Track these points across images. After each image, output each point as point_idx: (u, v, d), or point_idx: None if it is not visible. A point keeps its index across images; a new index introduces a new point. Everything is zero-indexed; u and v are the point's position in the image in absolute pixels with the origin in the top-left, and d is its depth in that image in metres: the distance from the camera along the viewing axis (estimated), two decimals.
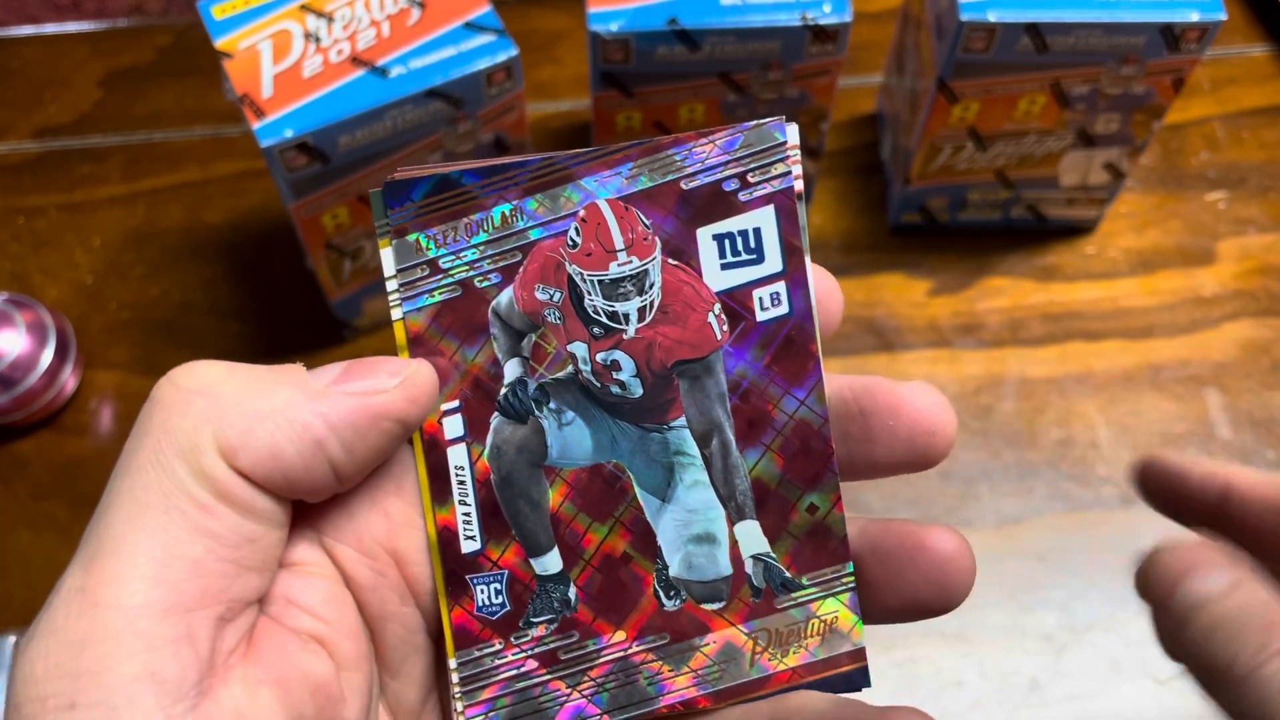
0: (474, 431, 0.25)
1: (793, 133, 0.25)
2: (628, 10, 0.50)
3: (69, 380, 0.57)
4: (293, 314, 0.60)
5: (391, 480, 0.25)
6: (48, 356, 0.56)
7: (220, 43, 0.49)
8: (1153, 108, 0.54)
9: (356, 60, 0.48)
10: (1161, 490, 0.31)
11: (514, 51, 0.49)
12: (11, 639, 0.50)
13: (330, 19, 0.49)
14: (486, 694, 0.25)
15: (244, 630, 0.22)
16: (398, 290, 0.25)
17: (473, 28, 0.49)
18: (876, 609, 0.25)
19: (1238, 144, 0.67)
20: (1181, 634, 0.26)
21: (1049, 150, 0.57)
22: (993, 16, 0.49)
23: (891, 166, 0.63)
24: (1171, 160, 0.66)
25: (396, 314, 0.25)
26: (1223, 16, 0.49)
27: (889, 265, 0.62)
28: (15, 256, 0.64)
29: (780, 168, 0.25)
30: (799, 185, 0.25)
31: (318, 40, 0.49)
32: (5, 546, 0.54)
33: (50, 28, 0.74)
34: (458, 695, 0.25)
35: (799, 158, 0.25)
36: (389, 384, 0.23)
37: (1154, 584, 0.27)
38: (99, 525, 0.21)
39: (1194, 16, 0.49)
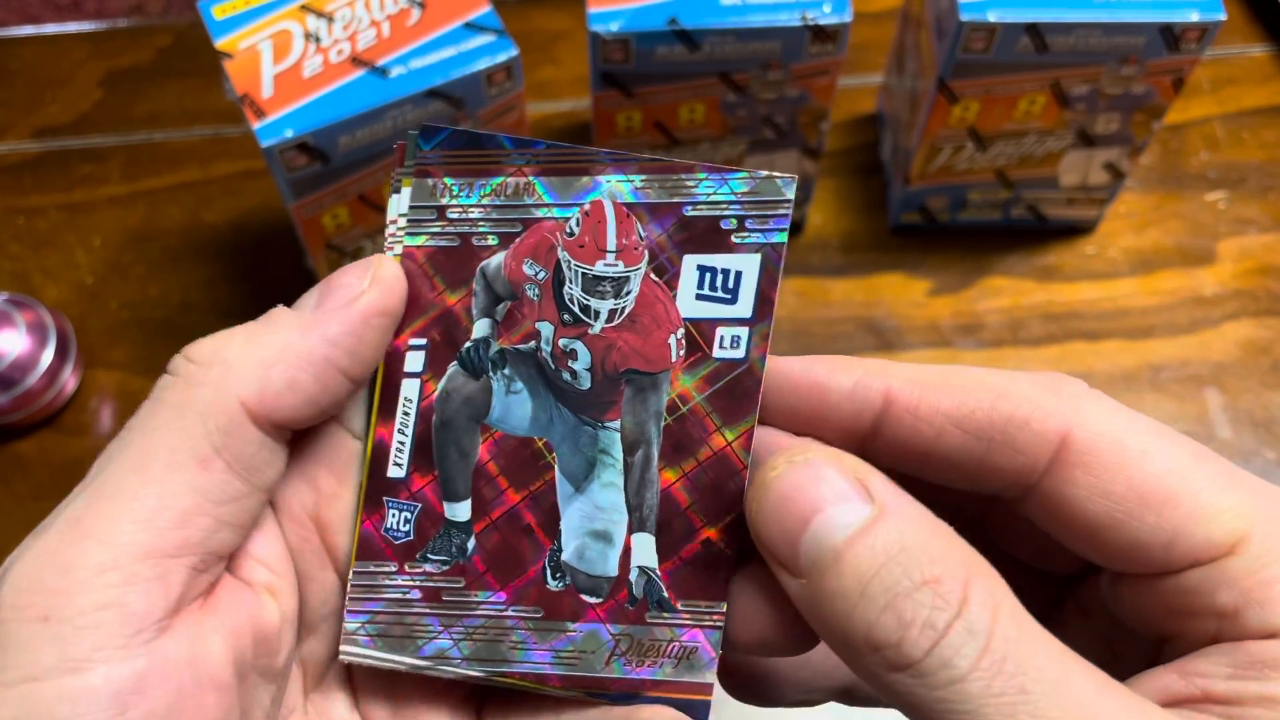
0: (430, 371, 0.27)
1: (791, 190, 0.26)
2: (628, 10, 0.50)
3: (69, 380, 0.57)
4: None
5: (324, 458, 0.27)
6: (48, 356, 0.56)
7: (220, 43, 0.49)
8: (1153, 108, 0.54)
9: (356, 60, 0.48)
10: (791, 413, 0.26)
11: (514, 51, 0.49)
12: None
13: (330, 19, 0.50)
14: (369, 605, 0.27)
15: (211, 580, 0.24)
16: (405, 227, 0.27)
17: (473, 28, 0.49)
18: (738, 641, 0.26)
19: (1238, 144, 0.67)
20: (822, 605, 0.22)
21: (1049, 150, 0.57)
22: (993, 16, 0.49)
23: (891, 166, 0.63)
24: (1171, 160, 0.66)
25: (397, 249, 0.27)
26: (1222, 16, 0.49)
27: (889, 265, 0.62)
28: (15, 256, 0.64)
29: (776, 222, 0.26)
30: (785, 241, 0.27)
31: (318, 40, 0.49)
32: (5, 546, 0.54)
33: (50, 28, 0.74)
34: (349, 600, 0.27)
35: (790, 214, 0.27)
36: (362, 284, 0.25)
37: (771, 529, 0.23)
38: (107, 468, 0.24)
39: (1194, 16, 0.49)
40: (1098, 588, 0.26)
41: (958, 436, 0.24)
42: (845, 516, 0.22)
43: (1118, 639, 0.26)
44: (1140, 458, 0.23)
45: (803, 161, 0.59)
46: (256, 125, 0.46)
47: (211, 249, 0.63)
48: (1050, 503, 0.24)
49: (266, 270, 0.62)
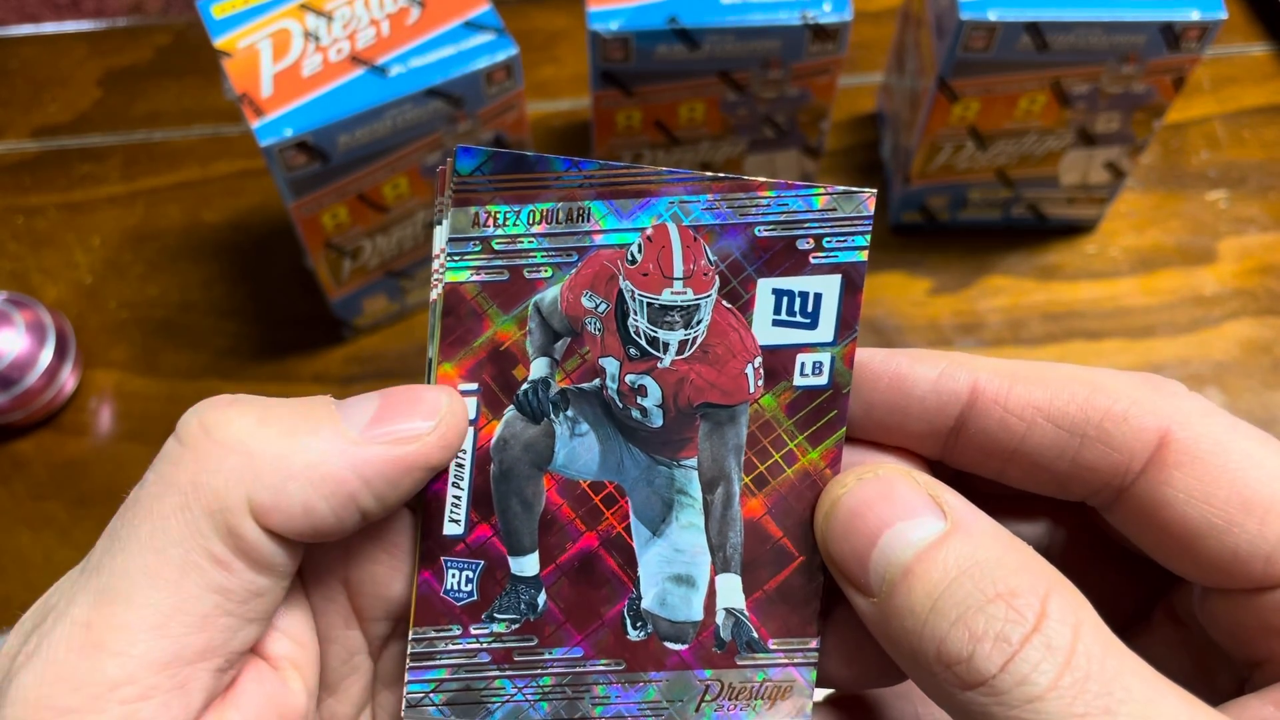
0: (484, 417, 0.25)
1: (871, 205, 0.25)
2: (627, 9, 0.50)
3: (68, 380, 0.57)
4: (292, 313, 0.60)
5: None
6: (47, 356, 0.56)
7: (219, 42, 0.49)
8: (1153, 107, 0.54)
9: (356, 59, 0.48)
10: (871, 407, 0.24)
11: (514, 50, 0.49)
12: None
13: (329, 18, 0.49)
14: (433, 671, 0.25)
15: (234, 675, 0.22)
16: (446, 259, 0.25)
17: (472, 26, 0.49)
18: (833, 675, 0.25)
19: (1238, 143, 0.67)
20: (892, 623, 0.21)
21: (1049, 149, 0.57)
22: (993, 15, 0.49)
23: (892, 165, 0.63)
24: (1172, 159, 0.66)
25: (439, 287, 0.25)
26: (1223, 15, 0.49)
27: (889, 264, 0.62)
28: (15, 256, 0.63)
29: (858, 240, 0.25)
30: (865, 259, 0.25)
31: (317, 39, 0.49)
32: (5, 546, 0.54)
33: (49, 27, 0.73)
34: (410, 666, 0.25)
35: (870, 230, 0.25)
36: (424, 428, 0.23)
37: (840, 546, 0.22)
38: (115, 562, 0.21)
39: (1194, 15, 0.49)
40: (1191, 596, 0.25)
41: (1049, 431, 0.23)
42: (915, 532, 0.21)
43: (1208, 655, 0.25)
44: (1244, 462, 0.22)
45: (803, 160, 0.59)
46: (255, 124, 0.46)
47: (210, 248, 0.63)
48: (1144, 507, 0.23)
49: (266, 270, 0.62)
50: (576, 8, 0.69)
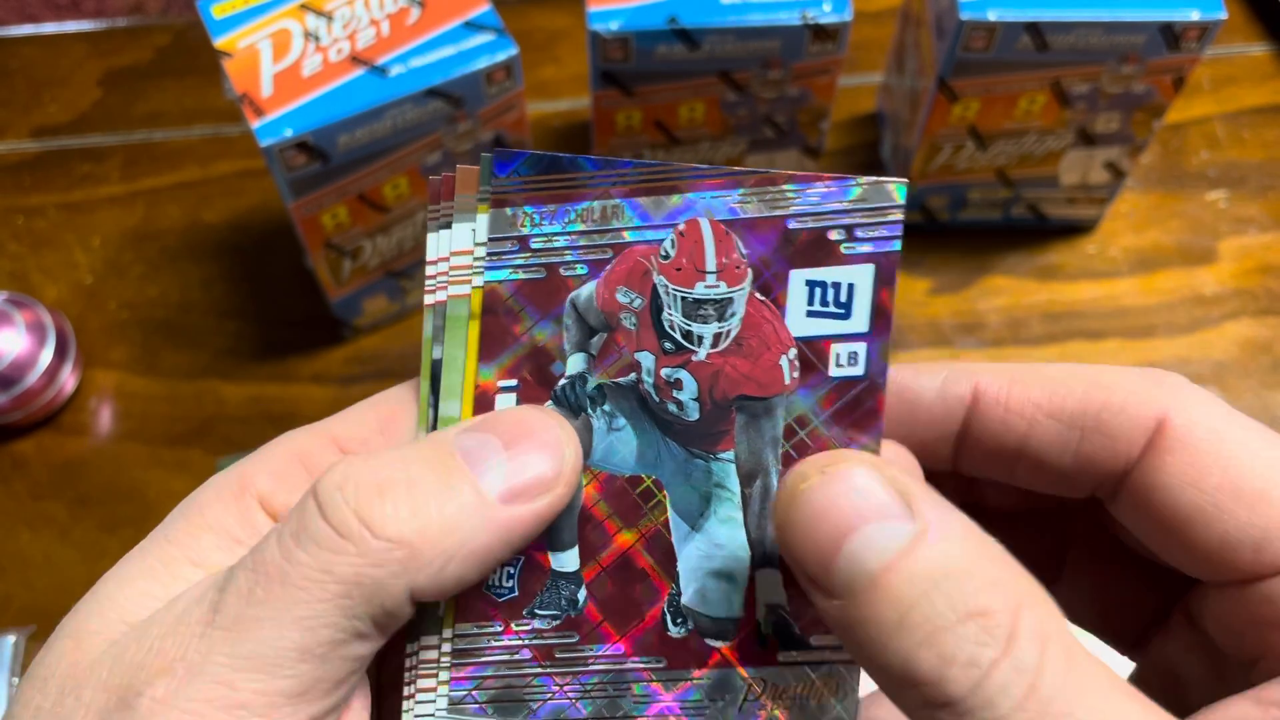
0: None
1: (903, 194, 0.24)
2: (627, 9, 0.50)
3: (68, 380, 0.57)
4: (292, 313, 0.60)
5: None
6: (47, 356, 0.56)
7: (220, 42, 0.49)
8: (1153, 107, 0.54)
9: (356, 59, 0.48)
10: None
11: (514, 50, 0.49)
12: (11, 638, 0.50)
13: (330, 18, 0.49)
14: (475, 669, 0.25)
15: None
16: (483, 258, 0.25)
17: (472, 26, 0.49)
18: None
19: (1238, 143, 0.67)
20: (856, 631, 0.20)
21: (1049, 149, 0.57)
22: (993, 15, 0.49)
23: (892, 165, 0.63)
24: (1172, 159, 0.66)
25: (477, 280, 0.25)
26: (1223, 15, 0.49)
27: None
28: (15, 256, 0.63)
29: (888, 229, 0.24)
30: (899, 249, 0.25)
31: (317, 39, 0.49)
32: (5, 546, 0.54)
33: (49, 27, 0.73)
34: (447, 664, 0.25)
35: (903, 220, 0.24)
36: (551, 474, 0.23)
37: (803, 547, 0.21)
38: (262, 632, 0.21)
39: (1194, 15, 0.49)
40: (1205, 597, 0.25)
41: (1051, 427, 0.23)
42: (883, 538, 0.20)
43: (1223, 659, 0.25)
44: (1237, 449, 0.22)
45: (803, 161, 0.59)
46: (256, 124, 0.46)
47: (211, 248, 0.63)
48: (1140, 494, 0.23)
49: (266, 270, 0.62)
50: (576, 8, 0.69)
